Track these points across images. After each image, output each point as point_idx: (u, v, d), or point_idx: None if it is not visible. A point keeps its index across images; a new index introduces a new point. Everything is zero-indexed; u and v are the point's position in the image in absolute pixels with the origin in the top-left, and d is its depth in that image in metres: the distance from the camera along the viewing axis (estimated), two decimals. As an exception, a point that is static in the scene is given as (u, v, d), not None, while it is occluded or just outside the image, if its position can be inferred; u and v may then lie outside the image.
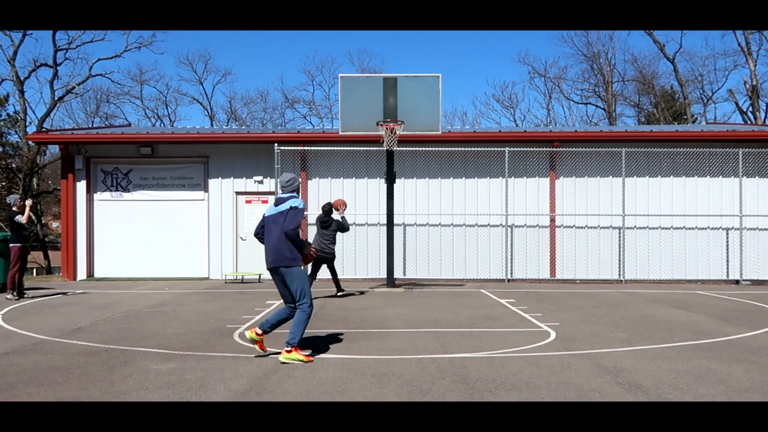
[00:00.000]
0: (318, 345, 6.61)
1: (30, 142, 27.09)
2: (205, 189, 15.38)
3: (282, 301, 6.10)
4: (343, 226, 11.13)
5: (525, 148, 14.84)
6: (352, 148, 14.41)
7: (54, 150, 30.99)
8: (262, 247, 6.06)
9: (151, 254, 15.27)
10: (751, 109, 32.56)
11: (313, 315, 8.81)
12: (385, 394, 4.71)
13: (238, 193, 15.29)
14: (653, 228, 14.99)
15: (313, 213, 14.92)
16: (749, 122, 31.30)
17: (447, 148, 14.73)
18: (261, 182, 15.23)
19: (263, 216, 6.05)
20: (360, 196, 14.96)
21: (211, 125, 40.62)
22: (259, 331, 5.85)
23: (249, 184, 15.29)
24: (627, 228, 14.76)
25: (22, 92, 29.42)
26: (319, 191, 15.08)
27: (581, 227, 15.03)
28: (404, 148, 13.79)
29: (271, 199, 14.86)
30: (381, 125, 12.04)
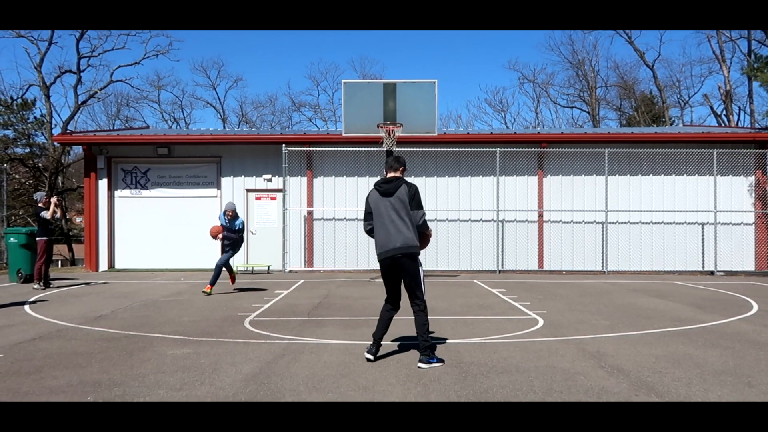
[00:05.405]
0: (323, 331, 6.60)
1: (55, 143, 27.00)
2: (218, 187, 15.36)
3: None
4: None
5: (515, 149, 14.81)
6: (354, 149, 14.39)
7: (78, 150, 30.83)
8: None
9: (168, 247, 15.27)
10: (725, 112, 32.46)
11: (318, 304, 8.85)
12: (385, 377, 4.70)
13: (248, 191, 15.26)
14: (634, 223, 14.97)
15: (317, 209, 14.92)
16: (723, 125, 31.21)
17: (442, 149, 14.70)
18: (270, 180, 15.19)
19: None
20: (362, 194, 14.90)
21: (224, 127, 40.52)
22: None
23: (259, 182, 15.26)
24: (610, 223, 14.76)
25: (48, 97, 29.38)
26: (324, 188, 15.05)
27: (567, 222, 15.01)
28: (402, 149, 13.74)
29: (279, 196, 14.88)
30: (381, 127, 12.01)
